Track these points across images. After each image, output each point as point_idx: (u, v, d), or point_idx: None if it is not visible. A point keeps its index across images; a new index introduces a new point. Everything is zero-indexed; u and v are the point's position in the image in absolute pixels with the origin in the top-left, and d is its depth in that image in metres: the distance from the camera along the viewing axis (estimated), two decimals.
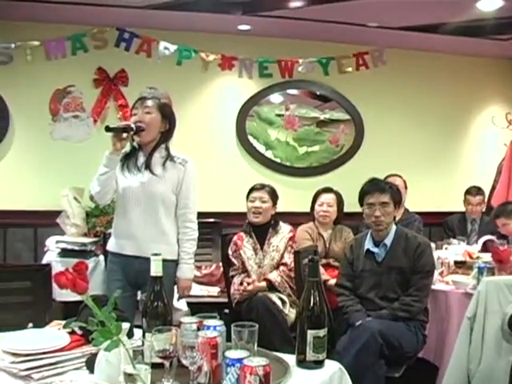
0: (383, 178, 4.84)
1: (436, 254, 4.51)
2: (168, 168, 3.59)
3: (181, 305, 4.38)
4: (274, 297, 4.37)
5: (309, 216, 5.32)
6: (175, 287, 3.72)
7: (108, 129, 3.38)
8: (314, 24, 5.80)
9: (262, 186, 4.72)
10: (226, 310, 4.64)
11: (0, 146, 5.92)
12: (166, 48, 5.98)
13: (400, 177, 5.78)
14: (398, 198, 3.98)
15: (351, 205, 5.22)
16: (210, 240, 5.60)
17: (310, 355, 2.28)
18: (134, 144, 3.64)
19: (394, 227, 3.95)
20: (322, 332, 2.30)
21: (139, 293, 3.63)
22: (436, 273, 4.14)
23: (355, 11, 5.44)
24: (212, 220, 5.69)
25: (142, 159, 3.61)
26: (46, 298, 3.44)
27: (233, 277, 4.62)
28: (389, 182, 4.18)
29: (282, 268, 4.51)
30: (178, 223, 3.67)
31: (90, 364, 2.14)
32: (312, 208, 5.31)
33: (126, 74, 6.06)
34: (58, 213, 5.55)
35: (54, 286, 2.07)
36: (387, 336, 3.52)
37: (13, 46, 5.81)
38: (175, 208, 3.65)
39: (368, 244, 3.95)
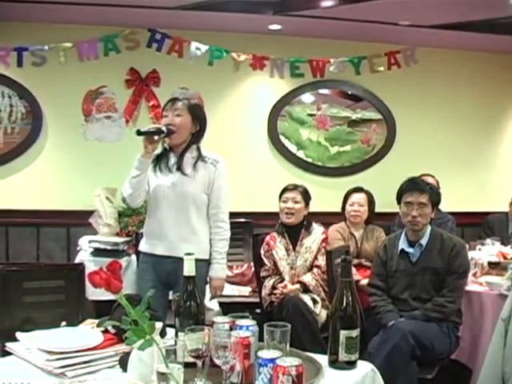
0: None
1: (469, 254, 4.47)
2: (199, 168, 3.60)
3: (212, 304, 4.39)
4: (305, 297, 4.36)
5: (340, 216, 5.30)
6: (207, 287, 3.73)
7: (139, 133, 3.40)
8: (345, 23, 5.77)
9: (295, 187, 4.71)
10: (258, 310, 4.64)
11: (34, 147, 5.99)
12: (197, 48, 5.99)
13: (433, 176, 5.71)
14: (436, 200, 3.94)
15: (382, 205, 5.21)
16: (242, 240, 5.61)
17: (343, 356, 2.27)
18: (165, 145, 3.65)
19: (429, 227, 3.91)
20: (355, 332, 2.28)
21: (171, 292, 3.65)
22: (469, 274, 4.10)
23: (387, 10, 5.40)
24: (243, 220, 5.69)
25: (173, 160, 3.63)
26: (80, 296, 3.47)
27: (264, 278, 4.61)
28: (429, 183, 4.13)
29: (315, 270, 4.49)
30: (209, 223, 3.68)
31: (123, 363, 2.15)
32: (343, 208, 5.28)
33: (158, 75, 6.08)
34: (90, 212, 5.59)
35: (87, 284, 2.09)
36: (419, 337, 3.49)
37: (46, 47, 5.88)
38: (207, 208, 3.65)
39: (402, 244, 3.92)
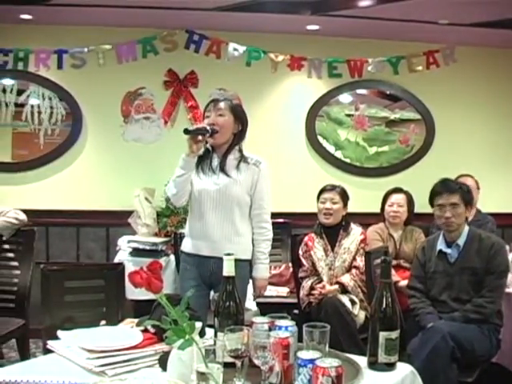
0: (454, 178, 4.75)
1: (510, 256, 4.40)
2: (242, 169, 3.61)
3: (250, 305, 4.40)
4: (343, 298, 4.34)
5: (379, 216, 5.27)
6: (249, 287, 3.74)
7: (187, 131, 3.42)
8: (383, 23, 5.72)
9: (333, 187, 4.69)
10: (296, 311, 4.63)
11: (73, 148, 6.06)
12: (235, 49, 6.01)
13: (472, 177, 5.63)
14: (468, 199, 3.89)
15: (422, 205, 5.13)
16: (280, 240, 5.59)
17: (382, 357, 2.26)
18: (208, 146, 3.66)
19: (466, 227, 3.87)
20: (395, 334, 2.27)
21: (211, 292, 3.66)
22: (510, 275, 4.03)
23: (425, 8, 5.33)
24: (281, 220, 5.67)
25: (216, 161, 3.64)
26: (119, 296, 3.50)
27: (302, 278, 4.61)
28: (459, 183, 4.09)
29: (354, 271, 4.47)
30: (252, 224, 3.69)
31: (163, 362, 2.16)
32: (382, 208, 5.25)
33: (196, 76, 6.10)
34: (129, 213, 5.65)
35: (126, 284, 2.10)
36: (459, 338, 3.44)
37: (86, 50, 5.95)
38: (249, 209, 3.67)
39: (440, 245, 3.88)
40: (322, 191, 4.70)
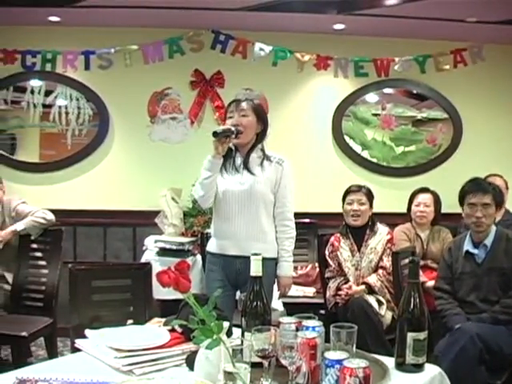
0: (483, 178, 4.71)
1: None
2: (266, 168, 3.62)
3: (277, 305, 4.40)
4: (370, 298, 4.32)
5: (406, 216, 5.24)
6: (275, 286, 3.74)
7: (216, 134, 3.42)
8: (409, 21, 5.68)
9: (359, 188, 4.66)
10: (322, 311, 4.62)
11: (100, 148, 6.10)
12: (261, 49, 6.00)
13: (501, 177, 5.58)
14: (500, 200, 3.86)
15: (449, 205, 5.11)
16: (306, 240, 5.59)
17: (410, 358, 2.24)
18: (230, 145, 3.66)
19: (493, 228, 3.84)
20: (423, 335, 2.25)
21: (238, 292, 3.66)
22: None
23: (452, 6, 5.28)
24: (308, 220, 5.67)
25: (239, 160, 3.65)
26: (146, 295, 3.51)
27: (329, 279, 4.60)
28: (492, 183, 4.05)
29: (380, 271, 4.45)
30: (275, 222, 3.68)
31: (190, 361, 2.17)
32: (409, 208, 5.22)
33: (222, 76, 6.11)
34: (156, 213, 5.67)
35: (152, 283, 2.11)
36: (487, 340, 3.41)
37: (112, 50, 5.98)
38: (273, 207, 3.66)
39: (467, 245, 3.85)
40: (347, 192, 4.67)
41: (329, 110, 6.25)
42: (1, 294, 4.61)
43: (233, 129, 3.50)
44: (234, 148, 3.67)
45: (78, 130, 6.10)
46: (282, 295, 3.84)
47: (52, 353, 4.55)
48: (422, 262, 4.87)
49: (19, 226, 4.67)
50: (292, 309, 4.42)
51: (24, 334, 4.10)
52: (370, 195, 4.63)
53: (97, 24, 5.85)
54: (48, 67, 6.03)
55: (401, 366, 2.26)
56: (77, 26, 5.89)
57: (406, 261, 4.17)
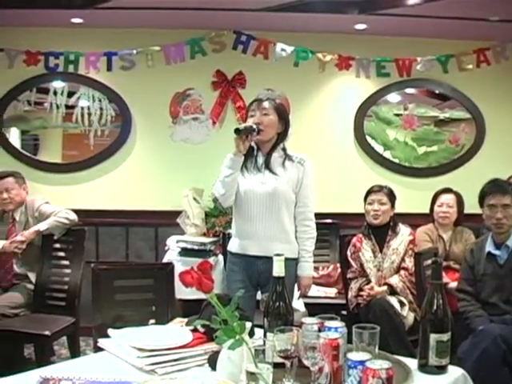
0: (506, 178, 4.67)
1: None
2: (287, 167, 3.62)
3: (298, 305, 4.39)
4: (392, 299, 4.31)
5: (428, 217, 5.20)
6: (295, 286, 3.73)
7: (238, 131, 3.44)
8: (432, 21, 5.64)
9: (380, 188, 4.65)
10: (344, 312, 4.61)
11: (123, 149, 6.13)
12: (282, 49, 6.00)
13: None
14: None
15: (472, 206, 5.04)
16: (328, 241, 5.58)
17: (433, 360, 2.23)
18: (252, 144, 3.67)
19: None
20: (446, 336, 2.23)
21: (258, 293, 3.66)
22: None
23: (475, 5, 5.23)
24: (329, 221, 5.66)
25: (261, 159, 3.65)
26: (169, 295, 3.53)
27: (350, 279, 4.59)
28: (511, 183, 4.02)
29: (403, 272, 4.43)
30: (296, 222, 3.68)
31: (213, 361, 2.17)
32: (431, 209, 5.18)
33: (244, 76, 6.11)
34: (178, 213, 5.68)
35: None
36: (510, 341, 3.38)
37: (134, 51, 6.01)
38: (294, 207, 3.66)
39: (489, 247, 3.82)
40: (369, 192, 4.67)
41: (351, 111, 6.23)
42: (24, 293, 4.64)
43: (254, 126, 3.51)
44: (255, 147, 3.68)
45: (101, 130, 6.13)
46: (302, 295, 3.83)
47: (74, 352, 4.58)
48: (444, 263, 4.82)
49: (42, 226, 4.70)
50: (313, 309, 4.42)
51: (47, 332, 4.14)
52: (391, 195, 4.62)
53: (119, 25, 5.87)
54: (71, 68, 6.06)
55: (424, 367, 2.25)
56: (99, 27, 5.93)
57: (429, 262, 4.15)
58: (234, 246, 3.73)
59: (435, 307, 2.26)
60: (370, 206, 4.58)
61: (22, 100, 6.11)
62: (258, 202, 3.58)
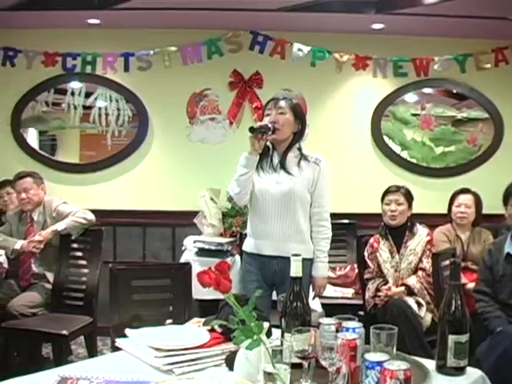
0: None
1: None
2: (303, 167, 3.61)
3: (315, 306, 4.38)
4: (409, 300, 4.29)
5: (446, 218, 5.17)
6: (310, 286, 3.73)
7: (252, 129, 3.44)
8: (449, 20, 5.60)
9: (397, 188, 4.64)
10: (361, 312, 4.60)
11: (140, 149, 6.15)
12: (299, 49, 5.99)
13: None
14: None
15: (490, 206, 5.05)
16: (345, 241, 5.56)
17: (451, 361, 2.21)
18: (268, 144, 3.67)
19: None
20: (464, 337, 2.22)
21: (274, 293, 3.66)
22: None
23: (493, 4, 5.19)
24: (347, 221, 5.65)
25: (276, 159, 3.65)
26: (186, 295, 3.53)
27: (368, 280, 4.58)
28: None
29: (420, 273, 4.42)
30: (311, 222, 3.67)
31: (230, 361, 2.17)
32: (449, 209, 5.15)
33: (261, 77, 6.10)
34: (195, 213, 5.70)
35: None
36: None
37: (151, 52, 6.03)
38: (310, 207, 3.65)
39: (508, 247, 3.79)
40: (386, 192, 4.66)
41: (368, 111, 6.21)
42: (42, 292, 4.67)
43: (269, 125, 3.51)
44: (271, 147, 3.68)
45: (118, 131, 6.16)
46: (317, 296, 3.82)
47: (92, 351, 4.60)
48: (462, 264, 4.80)
49: (60, 226, 4.73)
50: (330, 310, 4.41)
51: (65, 332, 4.16)
52: (408, 196, 4.61)
53: (136, 26, 5.89)
54: (88, 69, 6.10)
55: (442, 368, 2.24)
56: (116, 28, 5.95)
57: (446, 262, 4.13)
58: (248, 245, 3.73)
59: (453, 308, 2.25)
60: (387, 207, 4.57)
61: (40, 101, 6.15)
62: (273, 202, 3.58)
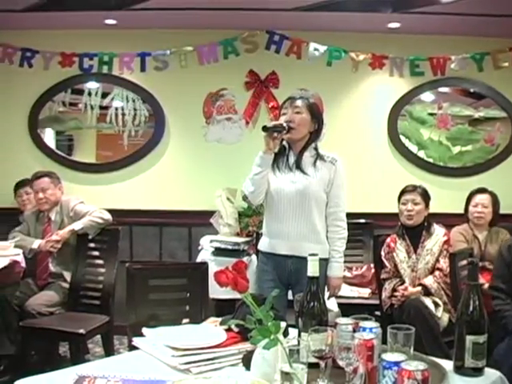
0: None
1: None
2: (319, 167, 3.60)
3: (332, 305, 4.37)
4: (426, 300, 4.28)
5: (463, 217, 5.15)
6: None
7: (265, 128, 3.44)
8: (466, 18, 5.56)
9: (414, 188, 4.63)
10: (377, 312, 4.59)
11: (156, 149, 6.16)
12: (315, 49, 5.98)
13: None
14: None
15: (507, 206, 5.03)
16: (361, 241, 5.55)
17: (469, 362, 2.20)
18: (284, 143, 3.66)
19: None
20: (482, 338, 2.20)
21: (289, 292, 3.65)
22: None
23: (510, 1, 5.17)
24: (363, 221, 5.63)
25: (292, 158, 3.64)
26: (203, 295, 3.54)
27: (384, 280, 4.57)
28: None
29: (437, 273, 4.40)
30: (327, 221, 3.66)
31: (247, 361, 2.17)
32: (466, 209, 5.12)
33: (277, 76, 6.10)
34: (211, 213, 5.70)
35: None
36: None
37: (168, 52, 6.04)
38: (325, 206, 3.64)
39: None
40: (403, 192, 4.65)
41: (384, 110, 6.19)
42: (59, 292, 4.70)
43: (284, 124, 3.51)
44: (287, 146, 3.67)
45: (135, 131, 6.18)
46: (332, 296, 3.81)
47: (108, 350, 4.62)
48: (479, 264, 4.78)
49: (77, 226, 4.75)
50: (347, 310, 4.41)
51: (81, 331, 4.18)
52: (425, 195, 4.59)
53: (152, 26, 5.91)
54: (105, 69, 6.13)
55: (459, 369, 2.22)
56: (133, 28, 5.97)
57: (463, 262, 4.12)
58: (264, 245, 3.72)
59: (471, 308, 2.23)
60: (404, 206, 4.56)
61: (57, 101, 6.19)
62: (288, 202, 3.57)
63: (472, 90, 6.31)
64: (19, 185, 5.59)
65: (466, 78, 6.19)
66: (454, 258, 4.13)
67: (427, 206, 4.58)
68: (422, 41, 6.09)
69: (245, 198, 3.66)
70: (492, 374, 2.27)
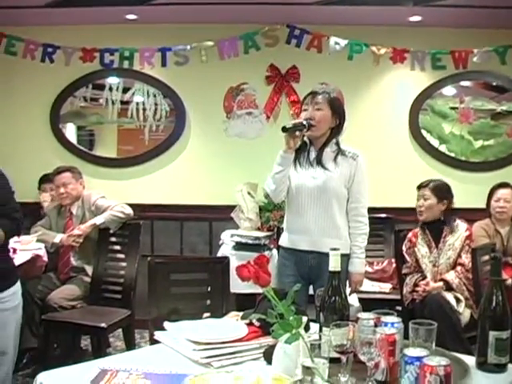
0: None
1: None
2: (340, 162, 3.58)
3: (353, 300, 4.37)
4: (448, 296, 4.25)
5: (484, 212, 5.11)
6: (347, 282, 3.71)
7: (285, 129, 3.42)
8: (488, 11, 5.51)
9: (426, 183, 4.60)
10: (398, 307, 4.57)
11: (177, 143, 6.18)
12: (336, 43, 5.96)
13: None
14: None
15: None
16: (382, 236, 5.53)
17: (492, 358, 2.17)
18: (305, 139, 3.65)
19: None
20: (505, 334, 2.18)
21: (310, 287, 3.65)
22: None
23: None
24: (384, 215, 5.62)
25: (313, 154, 3.63)
26: (224, 289, 3.55)
27: (406, 275, 4.55)
28: None
29: (459, 268, 4.37)
30: (348, 217, 3.65)
31: (268, 355, 2.17)
32: (488, 204, 5.08)
33: (298, 70, 6.09)
34: (232, 207, 5.71)
35: None
36: None
37: (188, 47, 6.05)
38: (346, 202, 3.63)
39: None
40: (417, 188, 4.64)
41: (405, 104, 6.15)
42: (81, 286, 4.73)
43: (304, 122, 3.48)
44: (308, 142, 3.66)
45: (156, 125, 6.20)
46: (353, 292, 3.80)
47: (130, 344, 4.64)
48: (502, 259, 4.75)
49: (98, 220, 4.78)
50: (368, 305, 4.38)
51: (103, 325, 4.21)
52: (436, 190, 4.54)
53: (173, 21, 5.91)
54: (125, 64, 6.15)
55: (482, 365, 2.20)
56: (153, 23, 5.98)
57: (486, 258, 4.09)
58: (284, 240, 3.72)
59: (494, 304, 2.21)
60: (417, 202, 4.57)
61: (79, 96, 6.23)
62: (309, 197, 3.56)
63: (494, 84, 6.26)
64: (43, 180, 5.64)
65: (489, 72, 6.13)
66: (476, 253, 4.10)
67: (441, 200, 4.53)
68: (443, 34, 6.04)
69: (266, 195, 3.64)
70: None
